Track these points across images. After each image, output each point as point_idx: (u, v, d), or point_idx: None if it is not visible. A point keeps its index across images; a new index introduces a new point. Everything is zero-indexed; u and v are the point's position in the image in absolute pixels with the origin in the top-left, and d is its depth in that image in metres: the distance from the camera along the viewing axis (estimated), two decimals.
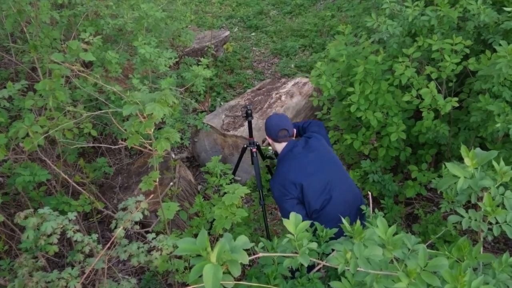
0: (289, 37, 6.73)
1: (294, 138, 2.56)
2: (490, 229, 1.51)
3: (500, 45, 2.46)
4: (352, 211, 2.40)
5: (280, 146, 2.50)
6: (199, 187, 3.92)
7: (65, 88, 2.62)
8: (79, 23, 3.25)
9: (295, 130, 2.63)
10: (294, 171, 2.33)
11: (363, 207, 2.31)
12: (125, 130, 1.78)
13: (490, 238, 1.55)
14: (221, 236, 2.14)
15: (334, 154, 2.57)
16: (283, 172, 2.36)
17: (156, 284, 2.88)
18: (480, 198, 1.52)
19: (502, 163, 1.52)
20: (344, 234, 1.49)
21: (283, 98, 4.20)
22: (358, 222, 1.41)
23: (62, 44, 2.97)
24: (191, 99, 4.24)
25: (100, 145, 2.83)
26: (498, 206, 1.47)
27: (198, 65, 3.15)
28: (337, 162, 2.51)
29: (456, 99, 2.69)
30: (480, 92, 2.74)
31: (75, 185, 2.39)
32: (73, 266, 1.87)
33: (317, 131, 2.63)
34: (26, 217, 1.84)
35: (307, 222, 1.41)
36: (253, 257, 1.33)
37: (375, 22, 2.82)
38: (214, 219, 2.41)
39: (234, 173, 2.94)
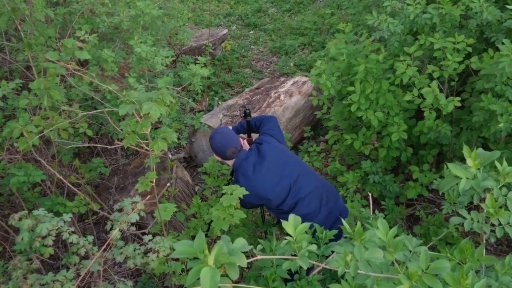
0: (288, 35, 6.70)
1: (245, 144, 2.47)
2: (492, 231, 1.50)
3: (503, 43, 2.43)
4: (324, 198, 2.36)
5: (231, 162, 2.42)
6: (197, 188, 3.89)
7: (60, 87, 2.60)
8: (74, 21, 3.22)
9: (241, 140, 2.47)
10: (257, 188, 2.26)
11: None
12: (121, 130, 1.76)
13: (492, 240, 1.53)
14: (219, 238, 2.11)
15: (287, 150, 2.50)
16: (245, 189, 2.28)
17: (152, 286, 2.85)
18: (482, 199, 1.50)
19: (505, 163, 1.50)
20: (344, 236, 1.46)
21: (282, 97, 4.17)
22: (359, 223, 1.37)
23: (57, 43, 2.94)
24: (189, 98, 4.21)
25: (96, 145, 2.80)
26: (500, 207, 1.46)
27: (196, 63, 3.13)
28: (293, 159, 2.45)
29: (458, 98, 2.67)
30: (482, 91, 2.71)
31: (70, 186, 2.36)
32: (68, 268, 1.86)
33: (268, 129, 2.54)
34: (20, 219, 1.83)
35: (307, 224, 1.38)
36: (251, 259, 1.30)
37: (376, 20, 2.79)
38: (211, 221, 2.38)
39: (231, 174, 2.91)
